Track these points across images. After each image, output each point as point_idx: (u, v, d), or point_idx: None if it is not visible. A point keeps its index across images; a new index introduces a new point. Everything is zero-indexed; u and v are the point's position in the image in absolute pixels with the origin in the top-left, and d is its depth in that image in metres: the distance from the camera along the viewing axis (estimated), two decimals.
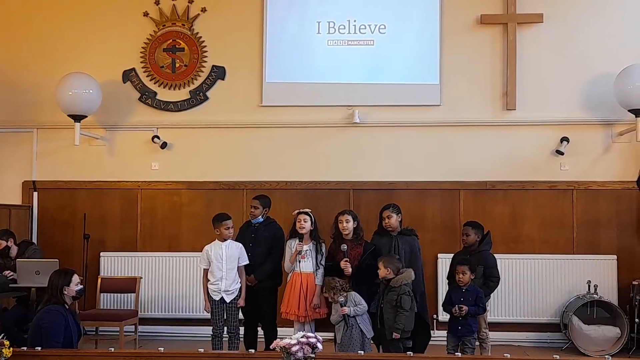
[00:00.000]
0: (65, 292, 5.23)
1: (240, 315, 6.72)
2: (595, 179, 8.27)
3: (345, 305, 6.04)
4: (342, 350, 5.96)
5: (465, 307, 6.10)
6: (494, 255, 6.72)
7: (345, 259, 6.28)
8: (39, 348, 4.66)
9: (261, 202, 6.92)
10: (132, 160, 8.72)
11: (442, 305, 6.46)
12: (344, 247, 6.33)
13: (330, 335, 6.25)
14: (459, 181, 8.36)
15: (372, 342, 6.26)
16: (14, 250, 7.57)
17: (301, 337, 3.95)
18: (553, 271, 8.14)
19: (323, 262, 6.45)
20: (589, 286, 7.88)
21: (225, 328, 6.59)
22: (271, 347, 4.10)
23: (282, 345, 3.95)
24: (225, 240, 6.60)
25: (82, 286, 5.44)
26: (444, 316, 7.09)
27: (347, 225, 6.42)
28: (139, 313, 7.80)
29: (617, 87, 7.91)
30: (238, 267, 6.58)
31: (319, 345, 3.97)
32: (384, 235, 6.48)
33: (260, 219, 6.89)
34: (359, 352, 5.38)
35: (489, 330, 6.67)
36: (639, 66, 7.80)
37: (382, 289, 6.10)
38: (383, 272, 6.05)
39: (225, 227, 6.60)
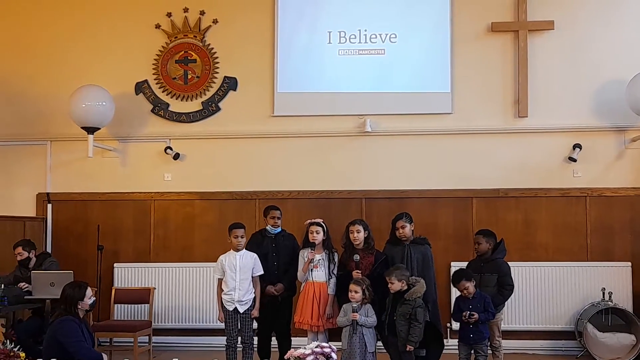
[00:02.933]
0: (80, 306, 5.25)
1: (254, 325, 6.72)
2: (608, 185, 8.23)
3: (357, 312, 6.03)
4: (345, 358, 5.94)
5: (476, 315, 6.10)
6: (508, 263, 6.69)
7: (356, 270, 6.27)
8: None
9: (281, 212, 6.96)
10: (145, 172, 8.77)
11: (452, 315, 6.46)
12: (357, 257, 6.32)
13: None
14: (472, 189, 8.35)
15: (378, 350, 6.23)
16: (32, 262, 7.61)
17: (315, 347, 3.97)
18: (567, 278, 8.09)
19: (335, 271, 6.45)
20: (604, 293, 7.84)
21: (240, 338, 6.59)
22: (285, 357, 4.13)
23: (297, 355, 3.97)
24: (237, 249, 6.61)
25: (94, 298, 5.46)
26: (457, 325, 7.06)
27: (358, 235, 6.41)
28: (153, 324, 7.81)
29: (629, 93, 7.89)
30: (253, 277, 6.58)
31: (333, 355, 3.99)
32: (397, 244, 6.47)
33: (280, 229, 6.92)
34: None
35: (502, 339, 6.64)
36: None
37: (392, 299, 6.07)
38: (398, 285, 6.02)
39: (234, 235, 6.59)
